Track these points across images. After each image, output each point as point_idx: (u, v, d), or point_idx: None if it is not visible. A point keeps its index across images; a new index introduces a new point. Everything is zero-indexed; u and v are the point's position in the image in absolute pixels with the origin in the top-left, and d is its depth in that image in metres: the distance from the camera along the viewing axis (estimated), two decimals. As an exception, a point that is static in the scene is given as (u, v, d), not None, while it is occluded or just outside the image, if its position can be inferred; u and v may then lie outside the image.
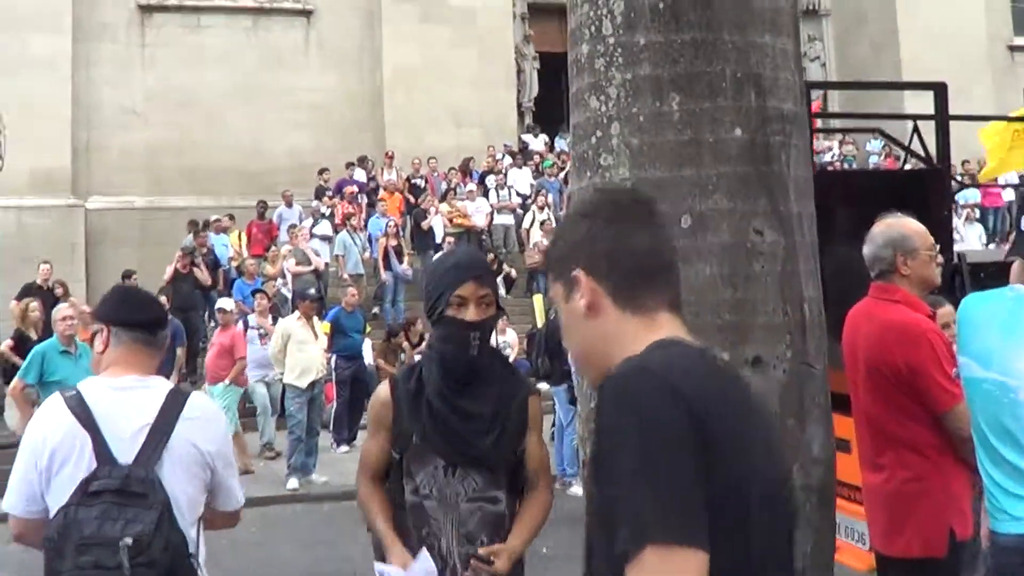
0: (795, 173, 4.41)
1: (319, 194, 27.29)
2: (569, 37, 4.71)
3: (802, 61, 4.72)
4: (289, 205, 26.49)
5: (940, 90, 8.26)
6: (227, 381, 16.98)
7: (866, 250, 5.57)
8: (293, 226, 25.00)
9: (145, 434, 4.16)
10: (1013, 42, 36.74)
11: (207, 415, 4.48)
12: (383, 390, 4.48)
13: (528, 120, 33.16)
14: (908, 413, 5.22)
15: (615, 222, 2.57)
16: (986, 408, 4.26)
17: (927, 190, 7.82)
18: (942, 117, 8.19)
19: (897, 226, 5.54)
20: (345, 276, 23.30)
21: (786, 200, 4.35)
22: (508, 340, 23.11)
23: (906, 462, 5.26)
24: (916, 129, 8.68)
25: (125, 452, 4.12)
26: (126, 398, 4.27)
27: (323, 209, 26.54)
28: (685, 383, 2.28)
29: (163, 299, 18.34)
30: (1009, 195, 27.48)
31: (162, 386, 4.42)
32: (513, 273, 25.90)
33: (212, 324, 22.02)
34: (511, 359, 22.49)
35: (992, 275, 7.93)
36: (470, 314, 4.26)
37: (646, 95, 4.29)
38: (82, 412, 4.16)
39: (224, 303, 18.58)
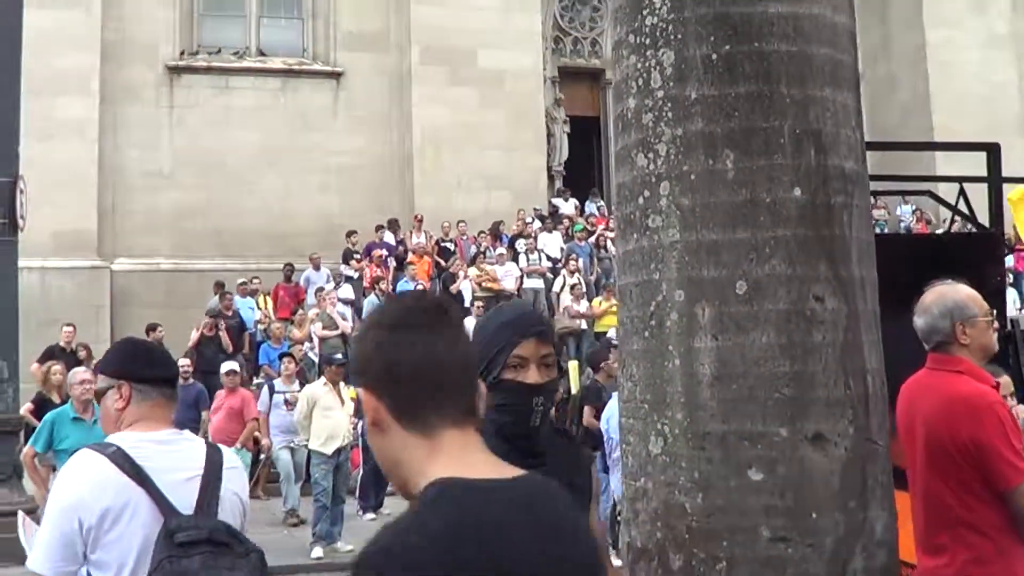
0: (857, 236, 4.13)
1: (347, 257, 27.07)
2: (614, 91, 4.46)
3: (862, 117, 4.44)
4: (316, 268, 26.32)
5: (994, 151, 7.95)
6: (238, 445, 16.73)
7: (920, 321, 5.28)
8: (320, 289, 24.81)
9: (195, 484, 4.19)
10: (1046, 107, 36.40)
11: (239, 466, 4.56)
12: None
13: (558, 184, 32.98)
14: (971, 491, 4.92)
15: (397, 331, 2.45)
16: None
17: (978, 254, 7.50)
18: (995, 179, 7.88)
19: (951, 294, 5.26)
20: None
21: (847, 265, 4.07)
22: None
23: (967, 543, 4.95)
24: (962, 191, 8.39)
25: (182, 504, 4.10)
26: (172, 451, 4.27)
27: (349, 272, 26.38)
28: (438, 565, 2.18)
29: (187, 361, 18.30)
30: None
31: (198, 439, 4.52)
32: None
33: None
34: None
35: (1043, 344, 7.67)
36: (531, 376, 3.62)
37: (698, 152, 4.03)
38: (131, 467, 4.09)
39: (230, 365, 18.37)
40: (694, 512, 3.94)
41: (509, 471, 2.46)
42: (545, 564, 2.31)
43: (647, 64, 4.16)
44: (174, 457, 4.24)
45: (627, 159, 4.27)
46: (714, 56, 4.01)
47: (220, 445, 4.62)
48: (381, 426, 2.43)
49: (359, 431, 18.04)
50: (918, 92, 33.45)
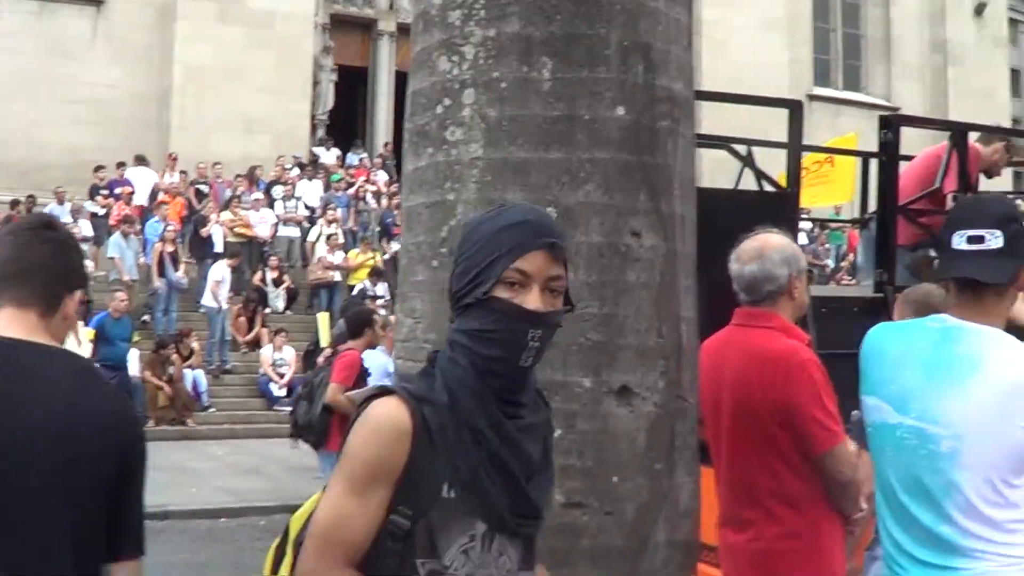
0: (681, 167, 3.69)
1: (93, 192, 25.92)
2: (417, -16, 3.91)
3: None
4: (61, 203, 25.07)
5: (796, 108, 7.67)
6: None
7: (752, 268, 4.73)
8: (63, 224, 23.59)
9: None
10: (813, 92, 37.71)
11: None
12: (397, 414, 2.61)
13: (321, 133, 32.26)
14: (781, 459, 4.50)
15: (5, 236, 3.25)
16: (898, 460, 3.54)
17: (773, 214, 7.17)
18: (795, 141, 7.60)
19: (786, 243, 4.79)
20: (126, 278, 22.13)
21: (669, 199, 3.63)
22: (286, 358, 22.16)
23: (776, 516, 4.54)
24: (749, 153, 8.12)
25: None
26: None
27: (94, 208, 25.29)
28: None
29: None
30: (803, 238, 27.84)
31: None
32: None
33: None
34: (286, 379, 21.60)
35: (834, 311, 7.43)
36: (532, 300, 2.61)
37: (511, 58, 3.53)
38: None
39: None
40: (478, 469, 3.45)
41: (36, 337, 3.09)
42: None
43: (458, -47, 3.64)
44: None
45: (426, 62, 3.74)
46: (536, -52, 3.51)
47: None
48: None
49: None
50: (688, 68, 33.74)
